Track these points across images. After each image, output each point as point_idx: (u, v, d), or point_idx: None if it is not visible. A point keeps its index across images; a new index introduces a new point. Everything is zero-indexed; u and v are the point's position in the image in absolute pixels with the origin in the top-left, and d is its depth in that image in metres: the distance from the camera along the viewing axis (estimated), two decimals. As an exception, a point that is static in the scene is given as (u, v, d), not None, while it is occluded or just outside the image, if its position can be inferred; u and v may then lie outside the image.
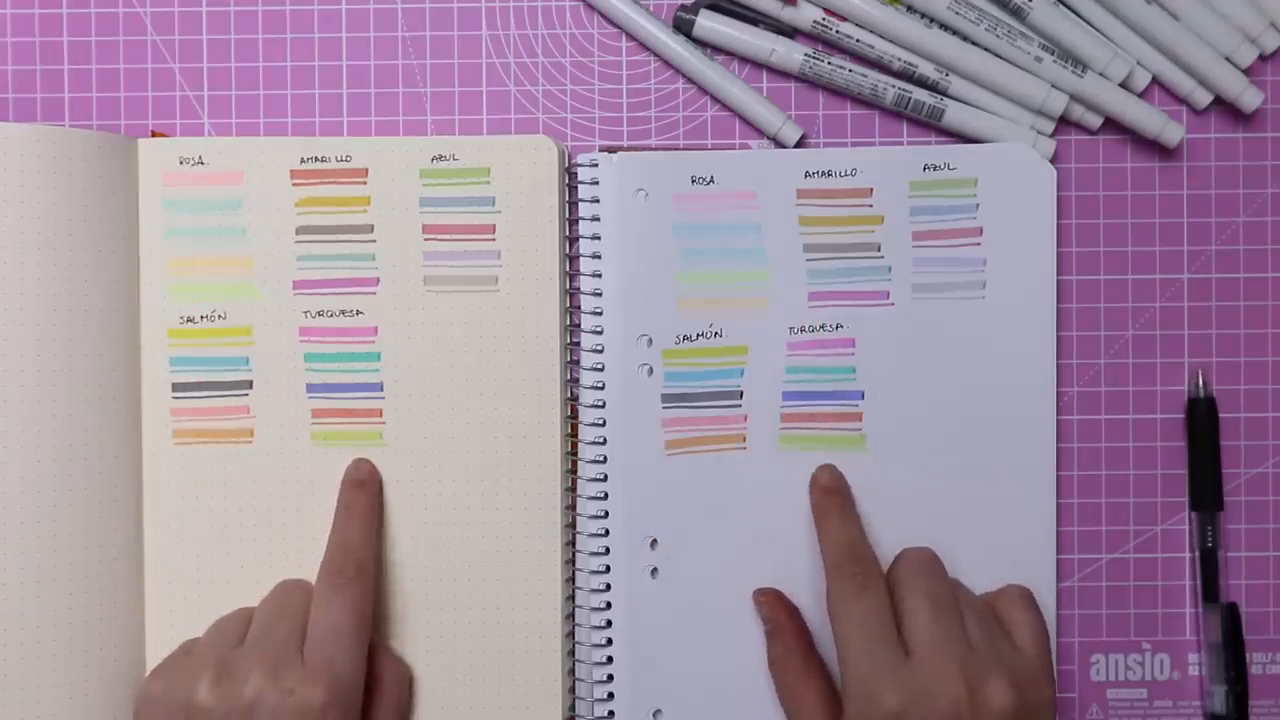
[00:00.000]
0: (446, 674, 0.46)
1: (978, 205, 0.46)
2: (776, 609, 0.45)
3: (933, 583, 0.43)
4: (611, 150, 0.47)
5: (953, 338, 0.46)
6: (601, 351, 0.46)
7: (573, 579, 0.47)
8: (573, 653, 0.47)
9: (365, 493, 0.45)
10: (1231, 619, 0.46)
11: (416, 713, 0.46)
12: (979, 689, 0.40)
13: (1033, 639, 0.42)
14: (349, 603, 0.43)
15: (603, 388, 0.46)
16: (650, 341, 0.46)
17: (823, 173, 0.46)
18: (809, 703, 0.44)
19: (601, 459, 0.46)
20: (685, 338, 0.46)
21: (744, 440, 0.46)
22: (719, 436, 0.46)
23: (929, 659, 0.40)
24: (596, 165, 0.46)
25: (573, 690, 0.47)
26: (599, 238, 0.46)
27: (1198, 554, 0.47)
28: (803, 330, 0.46)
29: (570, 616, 0.47)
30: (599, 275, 0.46)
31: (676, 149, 0.47)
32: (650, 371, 0.46)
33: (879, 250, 0.46)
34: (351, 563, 0.44)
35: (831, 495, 0.45)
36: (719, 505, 0.46)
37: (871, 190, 0.46)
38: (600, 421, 0.46)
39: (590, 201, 0.46)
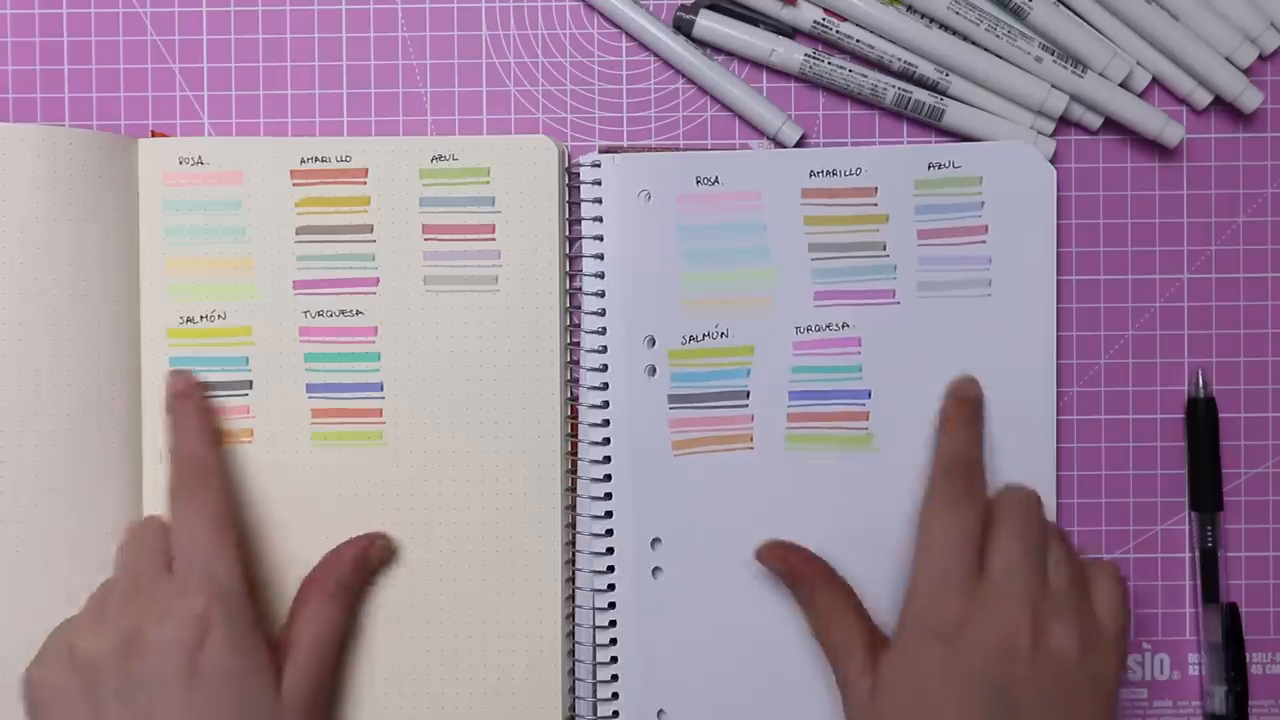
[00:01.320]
0: (446, 673, 0.46)
1: (982, 203, 0.46)
2: (788, 555, 0.45)
3: (1027, 521, 0.42)
4: (613, 151, 0.47)
5: (958, 336, 0.46)
6: (604, 352, 0.46)
7: (573, 579, 0.47)
8: (573, 653, 0.47)
9: (190, 403, 0.45)
10: (1231, 619, 0.46)
11: (416, 713, 0.46)
12: (1042, 626, 0.39)
13: (1112, 612, 0.41)
14: (202, 506, 0.42)
15: (606, 388, 0.46)
16: (653, 342, 0.46)
17: (827, 172, 0.46)
18: (846, 631, 0.43)
19: (605, 459, 0.46)
20: (691, 338, 0.46)
21: (751, 440, 0.46)
22: (726, 436, 0.46)
23: (1000, 584, 0.40)
24: (599, 166, 0.46)
25: (573, 690, 0.47)
26: (601, 238, 0.46)
27: (1198, 554, 0.47)
28: (809, 329, 0.46)
29: (570, 616, 0.47)
30: (601, 276, 0.46)
31: (676, 149, 0.47)
32: (653, 372, 0.46)
33: (884, 249, 0.46)
34: (193, 468, 0.43)
35: (963, 405, 0.44)
36: (726, 505, 0.46)
37: (876, 189, 0.46)
38: (603, 422, 0.46)
39: (592, 202, 0.46)
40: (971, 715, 0.39)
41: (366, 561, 0.45)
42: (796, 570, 0.45)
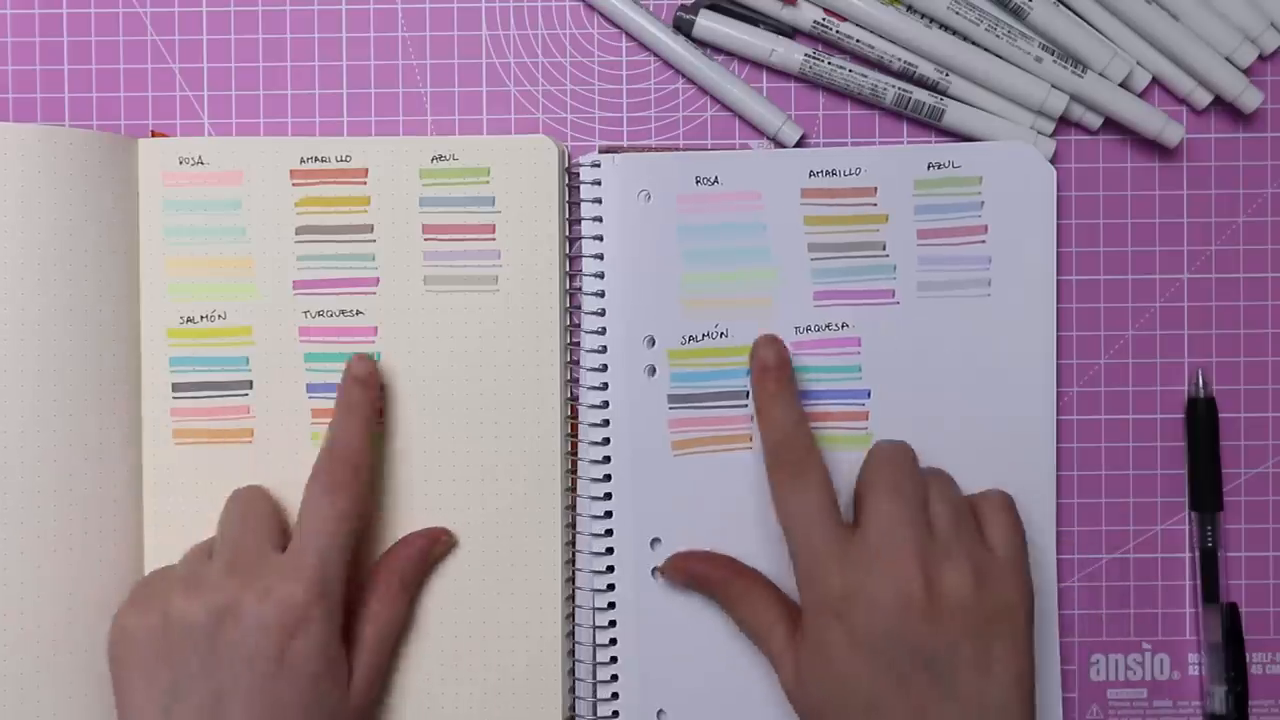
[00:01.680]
0: (446, 674, 0.46)
1: (982, 203, 0.46)
2: (686, 565, 0.45)
3: (896, 472, 0.41)
4: (613, 151, 0.47)
5: (958, 336, 0.46)
6: (604, 352, 0.46)
7: (573, 579, 0.47)
8: (573, 653, 0.47)
9: (366, 391, 0.44)
10: (1231, 619, 0.46)
11: (416, 713, 0.46)
12: (932, 571, 0.39)
13: (1005, 540, 0.41)
14: (340, 506, 0.41)
15: (605, 388, 0.46)
16: (653, 342, 0.46)
17: (827, 172, 0.46)
18: (763, 614, 0.43)
19: (605, 459, 0.46)
20: (691, 338, 0.46)
21: (751, 440, 0.46)
22: (725, 436, 0.46)
23: (881, 542, 0.39)
24: (599, 166, 0.46)
25: (573, 690, 0.47)
26: (601, 238, 0.46)
27: (1198, 554, 0.47)
28: (808, 329, 0.46)
29: (570, 616, 0.47)
30: (601, 276, 0.46)
31: (676, 149, 0.47)
32: (652, 372, 0.46)
33: (884, 249, 0.46)
34: (348, 464, 0.42)
35: (768, 375, 0.43)
36: (724, 505, 0.46)
37: (876, 189, 0.46)
38: (603, 422, 0.46)
39: (592, 202, 0.46)
40: (885, 679, 0.39)
41: (428, 558, 0.45)
42: (699, 574, 0.45)
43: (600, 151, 0.47)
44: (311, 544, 0.41)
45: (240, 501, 0.44)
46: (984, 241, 0.46)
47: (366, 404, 0.44)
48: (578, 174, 0.47)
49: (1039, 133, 0.47)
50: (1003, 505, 0.42)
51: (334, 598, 0.41)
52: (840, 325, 0.46)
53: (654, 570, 0.46)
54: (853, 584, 0.39)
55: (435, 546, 0.45)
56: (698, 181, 0.46)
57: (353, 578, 0.43)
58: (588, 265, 0.46)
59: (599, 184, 0.46)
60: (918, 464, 0.43)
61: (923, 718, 0.39)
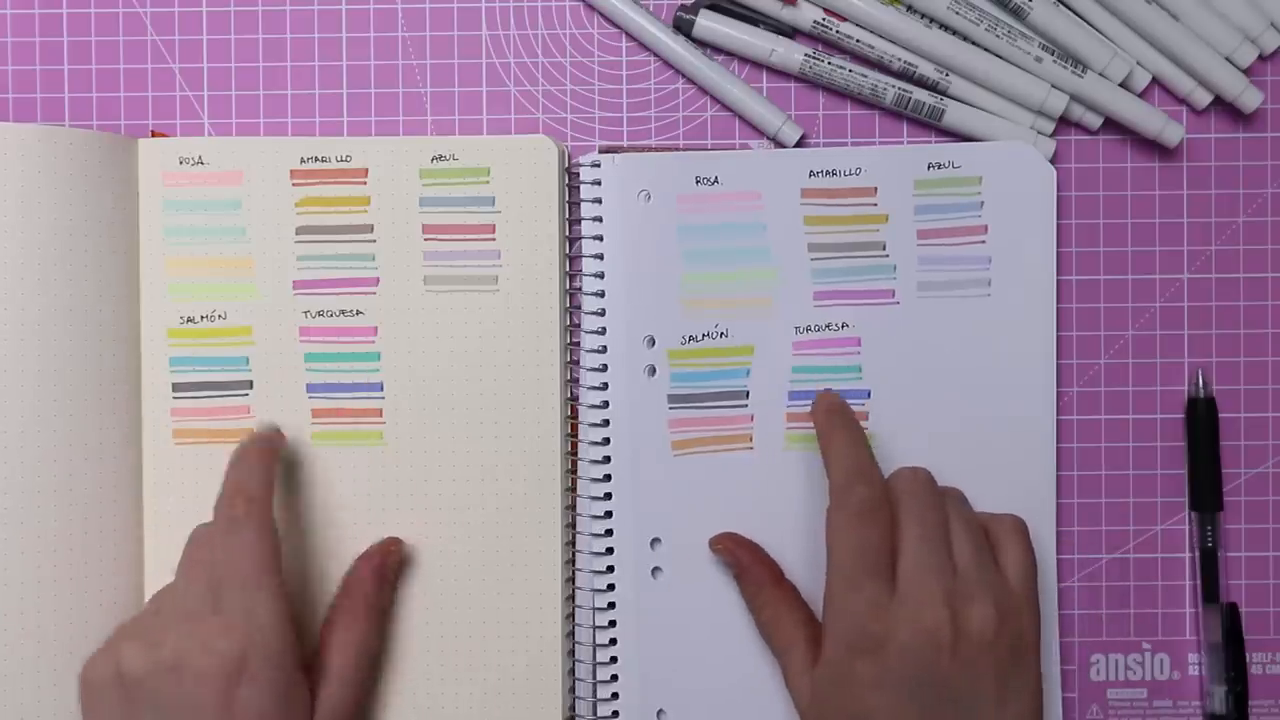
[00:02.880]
0: (446, 674, 0.46)
1: (982, 203, 0.46)
2: (737, 550, 0.45)
3: (923, 507, 0.42)
4: (613, 151, 0.47)
5: (958, 336, 0.46)
6: (604, 352, 0.46)
7: (573, 579, 0.47)
8: (573, 653, 0.47)
9: (257, 446, 0.44)
10: (1231, 619, 0.46)
11: (416, 713, 0.46)
12: (961, 613, 0.39)
13: (1018, 571, 0.42)
14: (246, 543, 0.41)
15: (606, 388, 0.46)
16: (653, 342, 0.46)
17: (827, 172, 0.46)
18: (788, 631, 0.43)
19: (605, 459, 0.46)
20: (691, 338, 0.46)
21: (750, 440, 0.46)
22: (725, 436, 0.46)
23: (912, 585, 0.40)
24: (599, 166, 0.46)
25: (573, 690, 0.47)
26: (601, 238, 0.46)
27: (1198, 554, 0.47)
28: (808, 330, 0.46)
29: (570, 616, 0.47)
30: (601, 276, 0.46)
31: (676, 149, 0.47)
32: (652, 372, 0.46)
33: (884, 249, 0.46)
34: (241, 498, 0.42)
35: (836, 414, 0.44)
36: (724, 505, 0.46)
37: (876, 189, 0.46)
38: (603, 422, 0.46)
39: (592, 202, 0.46)
40: (903, 713, 0.39)
41: (386, 573, 0.45)
42: (744, 565, 0.45)
43: (600, 151, 0.47)
44: (234, 591, 0.41)
45: (193, 546, 0.43)
46: (984, 242, 0.46)
47: (258, 453, 0.43)
48: (578, 174, 0.47)
49: (1039, 133, 0.47)
50: (1016, 529, 0.43)
51: (269, 637, 0.40)
52: (840, 325, 0.46)
53: (710, 542, 0.45)
54: (886, 629, 0.40)
55: (389, 559, 0.45)
56: (698, 181, 0.46)
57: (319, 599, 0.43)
58: (588, 265, 0.46)
59: (599, 184, 0.46)
60: (938, 490, 0.43)
61: None
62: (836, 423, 0.44)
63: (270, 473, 0.43)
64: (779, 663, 0.44)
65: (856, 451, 0.43)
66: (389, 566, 0.45)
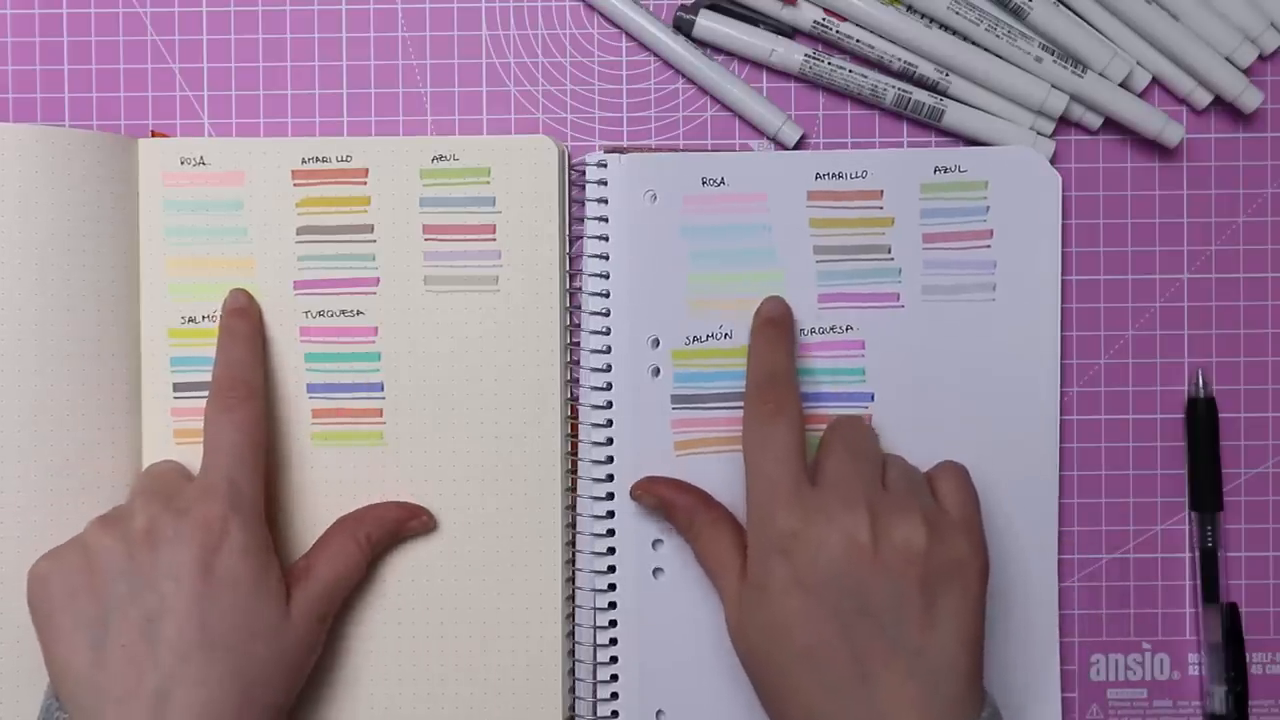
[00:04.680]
0: (446, 674, 0.46)
1: (988, 208, 0.46)
2: (657, 487, 0.45)
3: (855, 435, 0.42)
4: (617, 151, 0.47)
5: (962, 340, 0.46)
6: (608, 352, 0.46)
7: (573, 579, 0.47)
8: (573, 653, 0.47)
9: (246, 318, 0.45)
10: (1231, 619, 0.46)
11: (415, 712, 0.46)
12: (883, 521, 0.38)
13: (959, 503, 0.41)
14: (240, 421, 0.42)
15: (609, 388, 0.46)
16: (657, 342, 0.46)
17: (833, 174, 0.46)
18: (722, 554, 0.42)
19: (607, 459, 0.46)
20: (695, 339, 0.46)
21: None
22: (729, 437, 0.46)
23: (834, 488, 0.40)
24: (605, 166, 0.46)
25: (573, 690, 0.47)
26: (606, 238, 0.46)
27: (1198, 554, 0.47)
28: (813, 332, 0.46)
29: (570, 616, 0.47)
30: (606, 276, 0.46)
31: (676, 149, 0.47)
32: (656, 372, 0.46)
33: (889, 252, 0.46)
34: (241, 383, 0.43)
35: (771, 325, 0.44)
36: (727, 504, 0.46)
37: (882, 192, 0.46)
38: (606, 422, 0.46)
39: (598, 202, 0.46)
40: (826, 625, 0.38)
41: (404, 529, 0.45)
42: (669, 500, 0.44)
43: (605, 152, 0.47)
44: (219, 462, 0.41)
45: (151, 469, 0.44)
46: (989, 246, 0.46)
47: (249, 328, 0.45)
48: (580, 173, 0.47)
49: (1039, 133, 0.47)
50: (956, 473, 0.42)
51: (250, 510, 0.41)
52: (845, 328, 0.46)
53: (630, 494, 0.45)
54: (802, 525, 0.39)
55: (411, 520, 0.45)
56: (704, 182, 0.46)
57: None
58: (592, 265, 0.46)
59: (605, 184, 0.46)
60: (874, 433, 0.43)
61: (863, 667, 0.38)
62: (767, 332, 0.44)
63: (260, 354, 0.45)
64: (716, 590, 0.43)
65: (774, 357, 0.43)
66: (408, 526, 0.45)
